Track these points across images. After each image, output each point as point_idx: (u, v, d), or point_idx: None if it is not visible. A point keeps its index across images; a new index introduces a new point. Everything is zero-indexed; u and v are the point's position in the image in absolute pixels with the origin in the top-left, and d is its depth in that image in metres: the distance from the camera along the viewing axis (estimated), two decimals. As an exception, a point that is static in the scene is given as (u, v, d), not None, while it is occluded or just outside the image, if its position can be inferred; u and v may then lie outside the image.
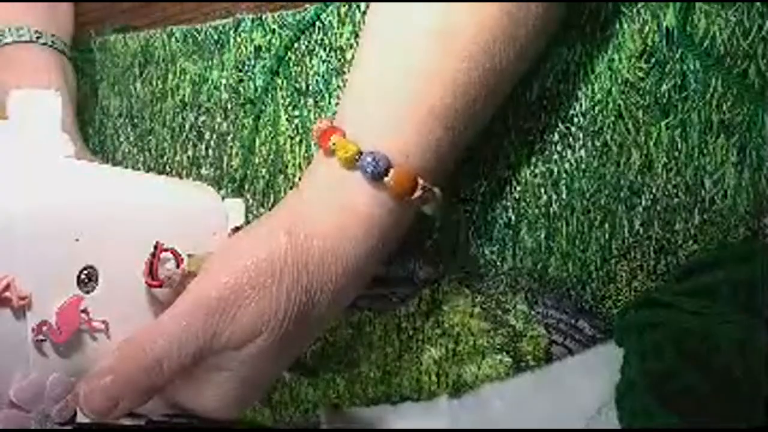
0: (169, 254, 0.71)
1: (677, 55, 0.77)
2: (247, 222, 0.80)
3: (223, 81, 0.92)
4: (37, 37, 0.88)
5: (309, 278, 0.71)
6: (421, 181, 0.71)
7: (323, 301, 0.73)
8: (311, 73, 0.88)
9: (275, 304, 0.70)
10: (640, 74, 0.78)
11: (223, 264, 0.71)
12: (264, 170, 0.90)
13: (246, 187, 0.91)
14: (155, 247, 0.70)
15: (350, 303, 0.79)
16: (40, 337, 0.64)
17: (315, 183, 0.74)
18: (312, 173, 0.75)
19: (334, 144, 0.71)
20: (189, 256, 0.71)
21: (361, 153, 0.70)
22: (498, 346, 0.84)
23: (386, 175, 0.70)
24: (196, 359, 0.69)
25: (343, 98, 0.77)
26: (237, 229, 0.78)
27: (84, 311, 0.66)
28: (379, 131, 0.71)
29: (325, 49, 0.87)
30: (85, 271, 0.67)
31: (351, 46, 0.86)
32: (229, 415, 0.75)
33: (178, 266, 0.71)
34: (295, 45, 0.88)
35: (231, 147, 0.91)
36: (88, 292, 0.67)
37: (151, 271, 0.70)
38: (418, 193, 0.71)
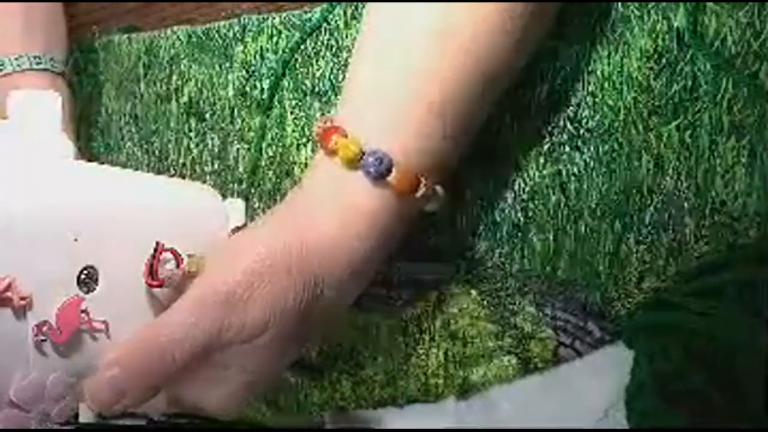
0: (169, 254, 0.71)
1: (687, 56, 0.77)
2: (248, 222, 0.81)
3: (229, 82, 0.92)
4: (37, 63, 0.88)
5: (314, 275, 0.72)
6: (423, 180, 0.72)
7: (328, 298, 0.73)
8: (318, 74, 0.88)
9: (282, 299, 0.70)
10: (651, 75, 0.78)
11: (230, 259, 0.72)
12: (270, 172, 0.90)
13: (253, 189, 0.91)
14: (155, 248, 0.70)
15: (356, 305, 0.80)
16: (41, 337, 0.64)
17: (318, 182, 0.74)
18: (314, 172, 0.75)
19: (336, 144, 0.72)
20: (189, 256, 0.71)
21: (363, 153, 0.71)
22: (506, 349, 0.84)
23: (388, 174, 0.71)
24: (203, 353, 0.69)
25: (343, 97, 0.77)
26: (237, 229, 0.79)
27: (84, 311, 0.67)
28: (381, 131, 0.72)
29: (331, 50, 0.87)
30: (85, 271, 0.67)
31: (357, 48, 0.86)
32: (233, 412, 0.75)
33: (178, 266, 0.71)
34: (302, 46, 0.88)
35: (237, 149, 0.91)
36: (88, 292, 0.67)
37: (152, 271, 0.70)
38: (420, 191, 0.72)
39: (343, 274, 0.73)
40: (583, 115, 0.80)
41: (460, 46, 0.71)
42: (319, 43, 0.88)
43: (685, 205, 0.78)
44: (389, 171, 0.70)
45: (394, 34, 0.73)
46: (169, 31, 0.95)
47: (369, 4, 0.77)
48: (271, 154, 0.90)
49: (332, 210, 0.72)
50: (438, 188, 0.74)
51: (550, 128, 0.81)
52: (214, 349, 0.70)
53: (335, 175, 0.73)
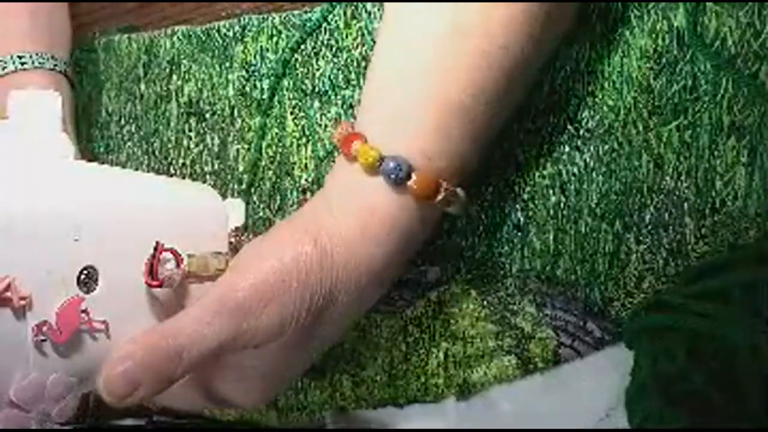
0: (169, 254, 0.71)
1: (688, 56, 0.77)
2: (248, 222, 0.81)
3: (229, 82, 0.92)
4: (40, 62, 0.88)
5: (333, 281, 0.72)
6: (443, 184, 0.72)
7: (346, 303, 0.74)
8: (318, 74, 0.88)
9: (299, 305, 0.71)
10: (651, 75, 0.78)
11: (250, 264, 0.72)
12: (270, 172, 0.90)
13: (252, 189, 0.91)
14: (155, 248, 0.70)
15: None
16: (41, 337, 0.64)
17: (338, 188, 0.75)
18: (335, 177, 0.76)
19: (356, 150, 0.72)
20: (189, 256, 0.71)
21: (383, 158, 0.71)
22: (506, 349, 0.84)
23: (408, 179, 0.71)
24: (216, 354, 0.70)
25: (362, 103, 0.77)
26: (237, 229, 0.79)
27: (84, 311, 0.66)
28: (400, 135, 0.72)
29: (331, 50, 0.87)
30: (85, 271, 0.67)
31: (357, 47, 0.86)
32: (255, 405, 0.79)
33: (178, 266, 0.71)
34: (302, 46, 0.88)
35: (237, 149, 0.91)
36: (88, 292, 0.67)
37: (151, 271, 0.70)
38: (441, 195, 0.72)
39: (362, 279, 0.73)
40: (583, 115, 0.80)
41: (476, 48, 0.70)
42: (319, 43, 0.88)
43: (685, 205, 0.77)
44: (409, 176, 0.70)
45: (409, 37, 0.73)
46: (169, 31, 0.95)
47: (384, 6, 0.77)
48: (271, 154, 0.90)
49: (352, 216, 0.73)
50: (459, 191, 0.74)
51: (550, 128, 0.81)
52: (225, 352, 0.70)
53: (355, 181, 0.73)
